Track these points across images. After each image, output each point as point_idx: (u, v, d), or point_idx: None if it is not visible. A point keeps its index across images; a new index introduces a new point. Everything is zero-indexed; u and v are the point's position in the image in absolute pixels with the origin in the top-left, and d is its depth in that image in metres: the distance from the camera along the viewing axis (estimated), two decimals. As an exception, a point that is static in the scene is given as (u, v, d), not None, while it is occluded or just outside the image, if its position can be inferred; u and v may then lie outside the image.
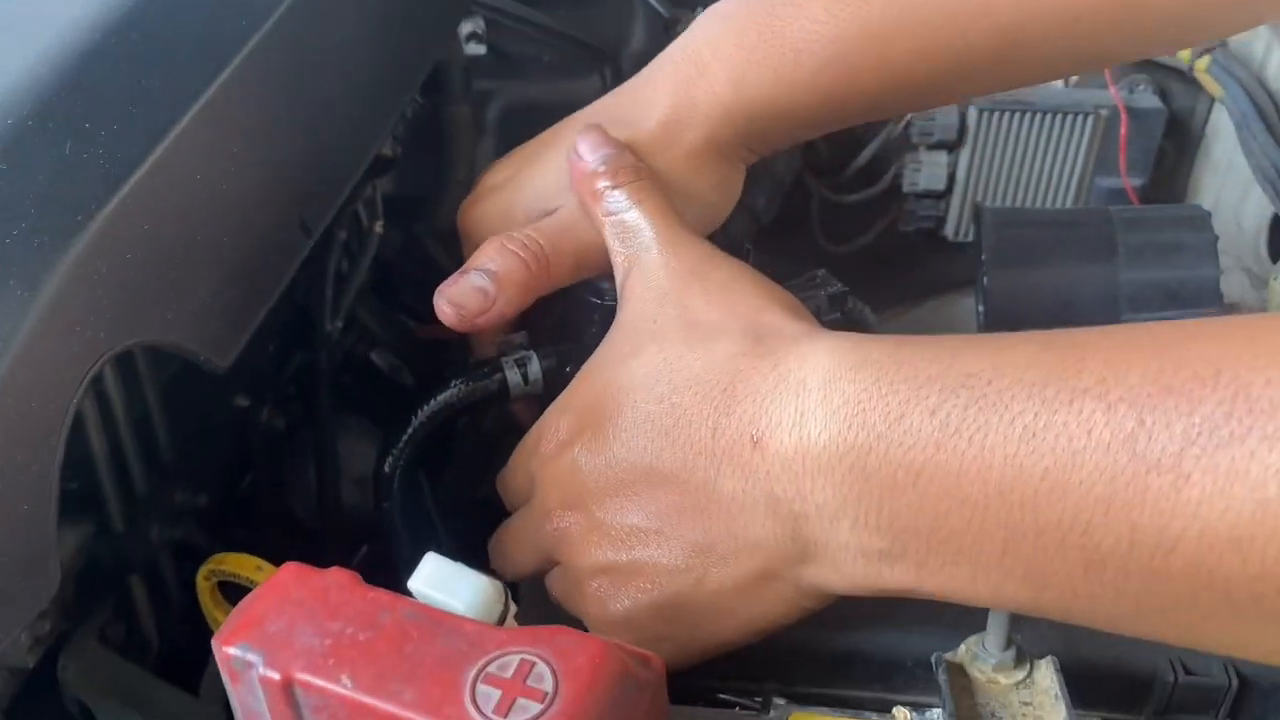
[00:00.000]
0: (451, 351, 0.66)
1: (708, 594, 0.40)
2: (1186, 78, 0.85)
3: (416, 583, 0.33)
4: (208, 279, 0.41)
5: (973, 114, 0.86)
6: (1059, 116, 0.85)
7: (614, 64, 0.89)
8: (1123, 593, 0.32)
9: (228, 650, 0.32)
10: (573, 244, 0.48)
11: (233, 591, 0.44)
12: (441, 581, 0.33)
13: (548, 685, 0.30)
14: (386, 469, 0.50)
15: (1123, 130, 0.84)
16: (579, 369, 0.45)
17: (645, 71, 0.53)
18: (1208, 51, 0.82)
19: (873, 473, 0.35)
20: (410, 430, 0.50)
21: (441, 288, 0.48)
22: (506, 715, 0.30)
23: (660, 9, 0.82)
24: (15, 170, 0.35)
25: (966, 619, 0.41)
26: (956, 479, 0.34)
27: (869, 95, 0.50)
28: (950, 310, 0.88)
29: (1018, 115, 0.85)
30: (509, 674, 0.30)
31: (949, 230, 0.90)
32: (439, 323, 0.51)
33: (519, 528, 0.46)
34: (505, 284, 0.47)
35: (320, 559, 0.34)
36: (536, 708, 0.30)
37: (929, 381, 0.35)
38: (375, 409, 0.59)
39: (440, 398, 0.50)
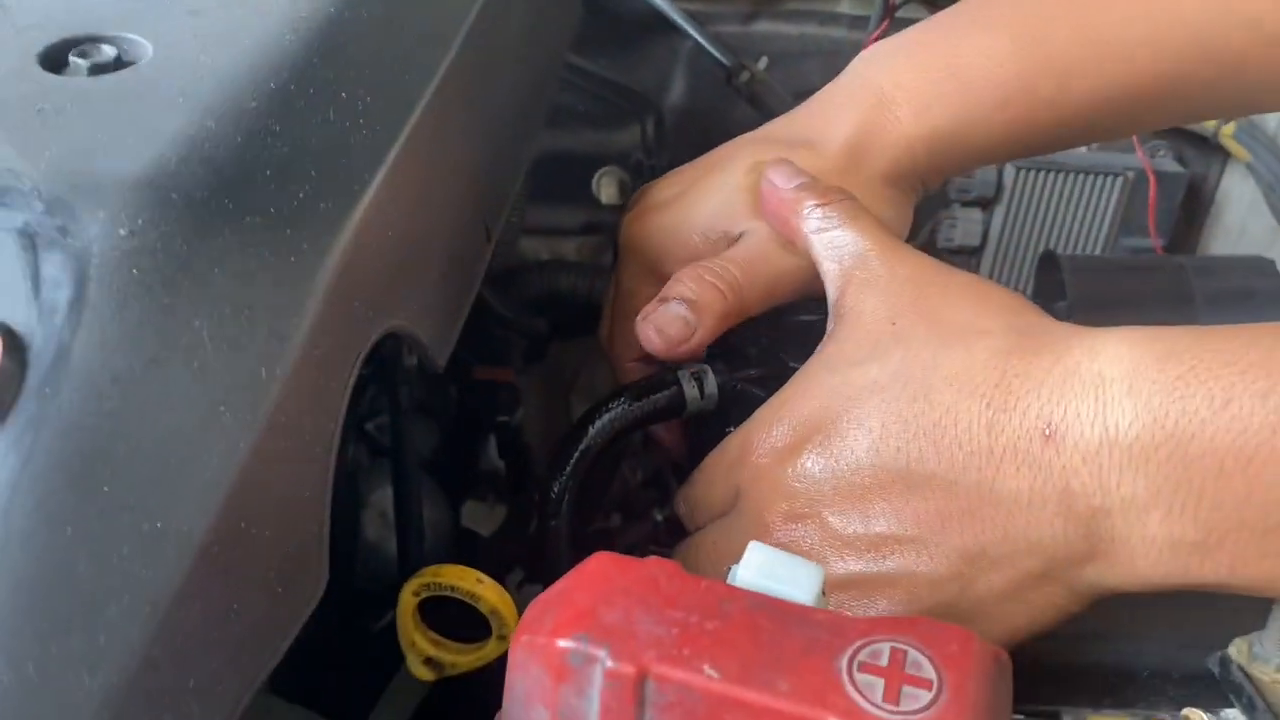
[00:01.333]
0: (502, 392, 0.64)
1: (971, 602, 0.38)
2: (1204, 144, 0.90)
3: (749, 573, 0.31)
4: (433, 273, 0.39)
5: (1009, 172, 0.88)
6: (1090, 177, 0.88)
7: (656, 114, 0.89)
8: None
9: (562, 644, 0.29)
10: (766, 273, 0.48)
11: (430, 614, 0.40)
12: (776, 570, 0.31)
13: (929, 673, 0.28)
14: (556, 489, 0.47)
15: (1151, 192, 0.88)
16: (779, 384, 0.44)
17: (818, 100, 0.53)
18: (1231, 119, 0.86)
19: (1195, 460, 0.34)
20: (582, 446, 0.47)
21: (645, 314, 0.47)
22: (897, 703, 0.28)
23: (721, 58, 0.83)
24: (290, 133, 0.33)
25: (1199, 631, 0.40)
26: None
27: (1045, 128, 0.51)
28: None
29: (1052, 174, 0.88)
30: (883, 662, 0.29)
31: (979, 286, 0.92)
32: (491, 364, 0.50)
33: (716, 543, 0.43)
34: (704, 313, 0.46)
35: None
36: (927, 695, 0.28)
37: (1253, 366, 0.34)
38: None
39: (613, 412, 0.47)
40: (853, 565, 0.39)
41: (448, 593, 0.39)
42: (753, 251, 0.48)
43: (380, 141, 0.35)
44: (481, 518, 0.64)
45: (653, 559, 0.31)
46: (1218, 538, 0.35)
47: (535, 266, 0.72)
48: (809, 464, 0.40)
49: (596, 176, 0.91)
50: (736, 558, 0.42)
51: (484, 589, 0.38)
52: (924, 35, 0.53)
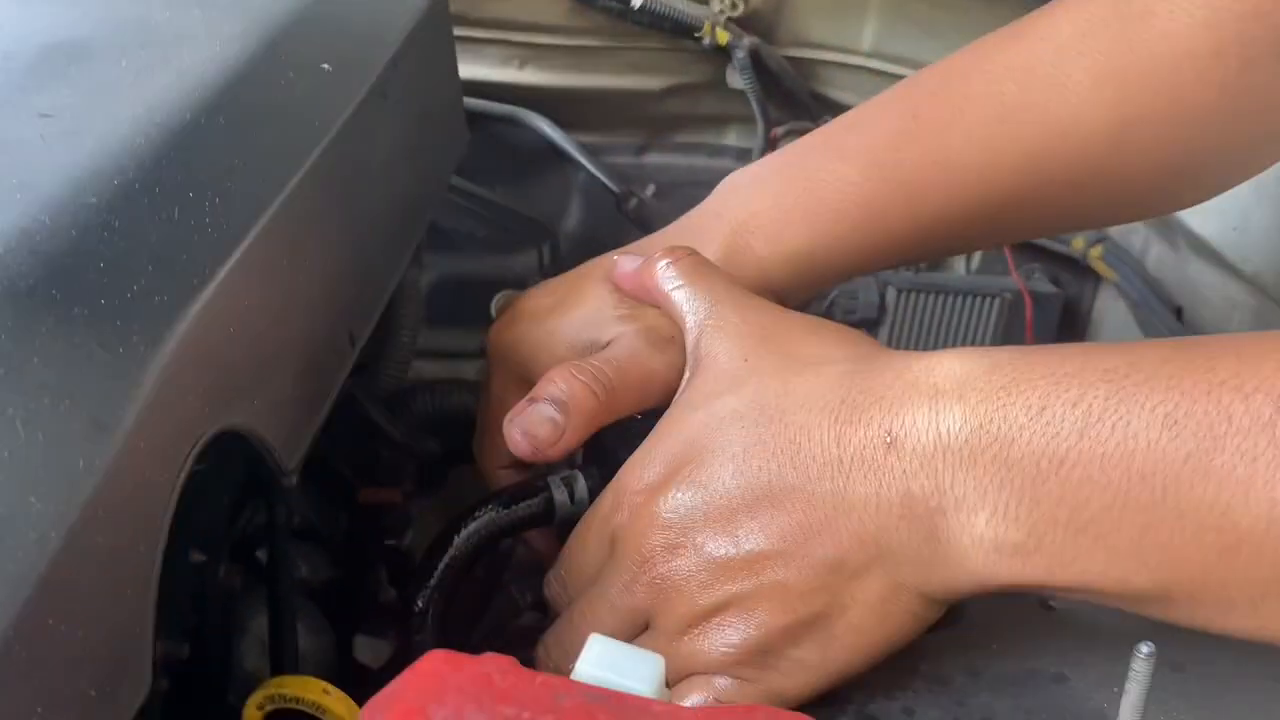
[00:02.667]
0: (391, 515, 0.63)
1: (839, 612, 0.40)
2: (1076, 265, 0.94)
3: (586, 665, 0.31)
4: (283, 374, 0.39)
5: (891, 294, 0.91)
6: (969, 298, 0.92)
7: (552, 239, 0.91)
8: (1252, 578, 0.34)
9: (388, 744, 0.28)
10: (637, 373, 0.48)
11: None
12: (614, 663, 0.31)
13: (764, 761, 0.28)
14: (420, 602, 0.46)
15: (1028, 311, 0.91)
16: None
17: (683, 225, 0.56)
18: (1099, 241, 0.91)
19: (1015, 462, 0.37)
20: (447, 557, 0.46)
21: (512, 416, 0.47)
22: (730, 794, 0.27)
23: (611, 185, 0.85)
24: (129, 229, 0.33)
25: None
26: (1100, 465, 0.35)
27: (896, 245, 0.55)
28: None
29: (932, 296, 0.91)
30: (719, 751, 0.28)
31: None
32: (377, 485, 0.49)
33: (598, 600, 0.43)
34: (574, 414, 0.46)
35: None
36: (760, 785, 0.27)
37: (1067, 377, 0.37)
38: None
39: (479, 522, 0.47)
40: (730, 586, 0.40)
41: (293, 704, 0.37)
42: (624, 351, 0.49)
43: (226, 241, 0.35)
44: (374, 652, 0.62)
45: (488, 655, 0.31)
46: (1036, 538, 0.37)
47: (425, 387, 0.72)
48: (680, 495, 0.41)
49: (495, 300, 0.92)
50: (619, 611, 0.42)
51: (330, 700, 0.37)
52: (782, 162, 0.56)
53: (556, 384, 0.47)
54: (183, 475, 0.31)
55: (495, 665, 0.30)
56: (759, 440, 0.41)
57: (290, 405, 0.39)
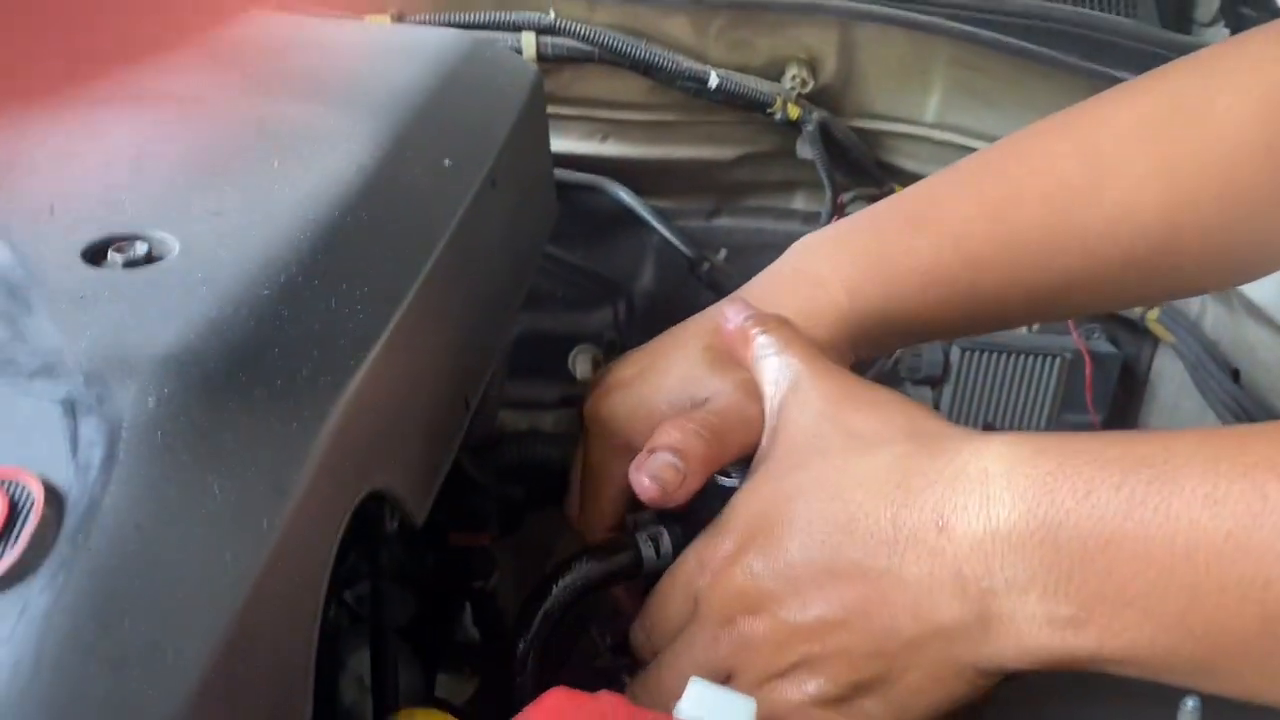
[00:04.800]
0: (477, 558, 0.67)
1: (900, 675, 0.43)
2: (1134, 327, 0.97)
3: (689, 707, 0.35)
4: (415, 440, 0.44)
5: (955, 353, 0.95)
6: (1031, 358, 0.95)
7: (627, 298, 0.96)
8: None
9: (522, 773, 0.32)
10: (740, 421, 0.52)
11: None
12: (715, 705, 0.35)
13: (848, 792, 0.32)
14: (521, 647, 0.50)
15: (1088, 371, 0.94)
16: None
17: (761, 281, 0.59)
18: (1155, 306, 0.93)
19: (1063, 545, 0.39)
20: (545, 607, 0.51)
21: (637, 465, 0.50)
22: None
23: (685, 250, 0.90)
24: (296, 317, 0.38)
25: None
26: (1145, 545, 0.38)
27: (961, 313, 0.58)
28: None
29: (995, 355, 0.95)
30: (808, 783, 0.32)
31: (931, 460, 0.97)
32: (468, 530, 0.53)
33: (682, 653, 0.47)
34: (691, 460, 0.50)
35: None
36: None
37: (1109, 463, 0.40)
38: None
39: (575, 573, 0.51)
40: (801, 647, 0.44)
41: (420, 736, 0.42)
42: (726, 403, 0.53)
43: (373, 325, 0.40)
44: (455, 689, 0.66)
45: (604, 694, 0.35)
46: (1087, 613, 0.39)
47: (512, 437, 0.76)
48: (753, 564, 0.45)
49: (572, 354, 0.97)
50: (701, 662, 0.46)
51: (454, 730, 0.41)
52: (857, 227, 0.59)
53: (671, 434, 0.51)
54: (341, 532, 0.36)
55: (610, 704, 0.35)
56: (821, 516, 0.44)
57: (419, 466, 0.44)
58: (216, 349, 0.35)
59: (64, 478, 0.31)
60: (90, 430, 0.32)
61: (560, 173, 0.90)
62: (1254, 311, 0.86)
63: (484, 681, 0.66)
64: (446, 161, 0.51)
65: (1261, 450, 0.38)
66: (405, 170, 0.49)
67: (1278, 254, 0.59)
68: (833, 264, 0.57)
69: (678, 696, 0.47)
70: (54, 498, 0.31)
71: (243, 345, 0.36)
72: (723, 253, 0.93)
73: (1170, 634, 0.39)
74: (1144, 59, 0.81)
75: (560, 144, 0.89)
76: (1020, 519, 0.40)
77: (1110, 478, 0.39)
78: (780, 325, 0.53)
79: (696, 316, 0.59)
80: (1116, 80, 0.62)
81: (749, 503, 0.47)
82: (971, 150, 0.69)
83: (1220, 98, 0.55)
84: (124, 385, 0.33)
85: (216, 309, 0.37)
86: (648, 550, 0.52)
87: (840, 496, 0.44)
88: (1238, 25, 0.99)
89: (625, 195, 0.92)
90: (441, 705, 0.62)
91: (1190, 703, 0.39)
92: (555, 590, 0.51)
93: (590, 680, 0.55)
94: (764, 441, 0.50)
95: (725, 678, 0.46)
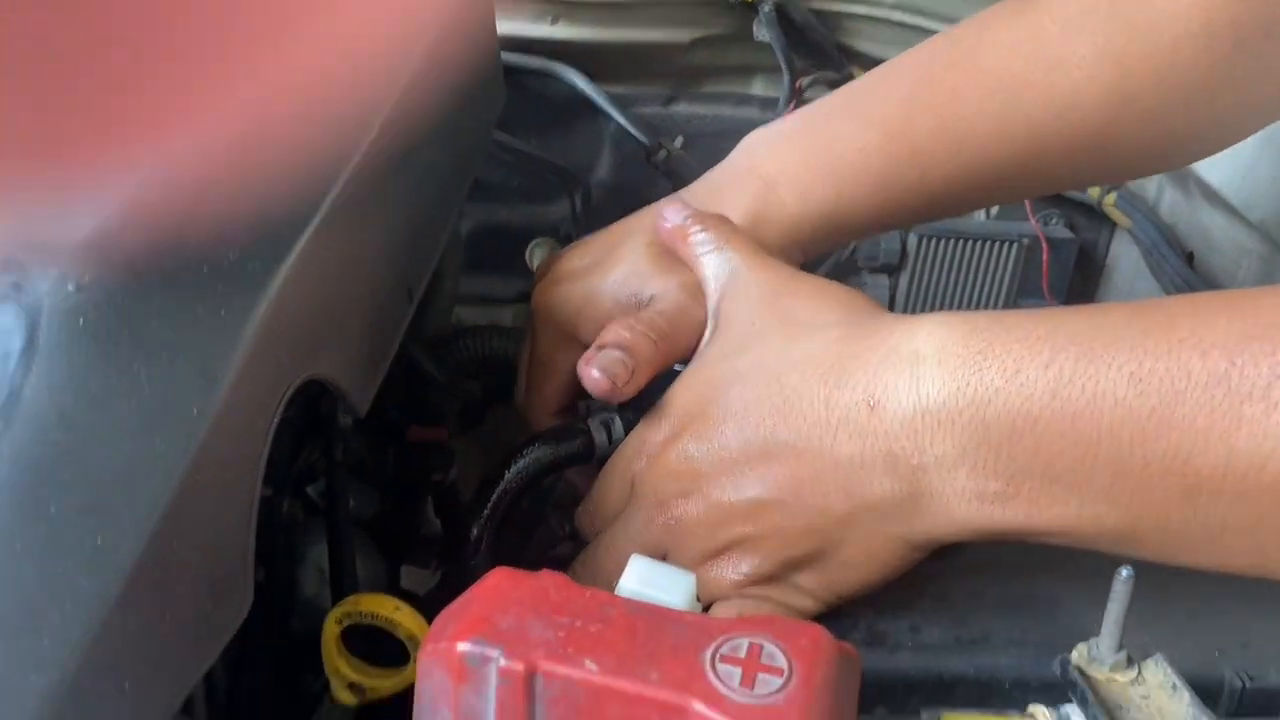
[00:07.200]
0: (436, 453, 0.68)
1: (833, 550, 0.44)
2: (1092, 212, 0.97)
3: (630, 581, 0.35)
4: (354, 328, 0.43)
5: (913, 240, 0.94)
6: (988, 243, 0.95)
7: (584, 189, 0.95)
8: (1211, 517, 0.38)
9: (461, 648, 0.33)
10: (685, 324, 0.53)
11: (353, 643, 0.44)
12: (654, 580, 0.35)
13: (781, 662, 0.33)
14: (475, 531, 0.51)
15: (1045, 256, 0.94)
16: None
17: (712, 179, 0.59)
18: (1114, 189, 0.93)
19: (992, 423, 0.40)
20: (500, 489, 0.51)
21: (587, 359, 0.51)
22: (752, 688, 0.32)
23: (641, 138, 0.89)
24: (224, 204, 0.37)
25: (1051, 641, 0.45)
26: (1071, 423, 0.39)
27: (910, 207, 0.59)
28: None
29: (952, 241, 0.95)
30: (742, 654, 0.33)
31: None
32: (426, 425, 0.54)
33: (620, 534, 0.48)
34: (639, 358, 0.51)
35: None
36: (778, 681, 0.32)
37: (1038, 340, 0.40)
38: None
39: (528, 458, 0.51)
40: (735, 529, 0.45)
41: (368, 620, 0.42)
42: (672, 304, 0.54)
43: (305, 210, 0.39)
44: (420, 581, 0.67)
45: (545, 572, 0.35)
46: (1014, 488, 0.41)
47: (468, 331, 0.76)
48: (689, 446, 0.46)
49: (530, 247, 0.96)
50: (637, 544, 0.47)
51: (401, 615, 0.42)
52: (807, 122, 0.59)
53: (620, 333, 0.51)
54: (275, 420, 0.36)
55: (551, 581, 0.35)
56: (757, 399, 0.45)
57: (361, 356, 0.44)
58: (140, 234, 0.34)
59: (-19, 367, 0.31)
60: (8, 318, 0.31)
61: (510, 56, 0.87)
62: (1210, 195, 0.86)
63: (446, 573, 0.67)
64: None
65: (1187, 325, 0.38)
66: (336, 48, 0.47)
67: (1217, 137, 0.60)
68: (783, 164, 0.57)
69: (616, 576, 0.48)
70: (-28, 387, 0.30)
71: (168, 230, 0.35)
72: (679, 140, 0.91)
73: (1095, 507, 0.40)
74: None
75: (507, 26, 0.87)
76: (949, 398, 0.41)
77: (1038, 356, 0.40)
78: (719, 222, 0.54)
79: (643, 211, 0.59)
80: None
81: (687, 388, 0.48)
82: (934, 32, 0.68)
83: None
84: (43, 272, 0.32)
85: (139, 192, 0.35)
86: (600, 435, 0.52)
87: (776, 380, 0.45)
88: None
89: (579, 80, 0.90)
90: (406, 596, 0.63)
91: (1124, 572, 0.39)
92: (508, 474, 0.52)
93: (549, 567, 0.56)
94: (706, 334, 0.51)
95: (661, 558, 0.47)
